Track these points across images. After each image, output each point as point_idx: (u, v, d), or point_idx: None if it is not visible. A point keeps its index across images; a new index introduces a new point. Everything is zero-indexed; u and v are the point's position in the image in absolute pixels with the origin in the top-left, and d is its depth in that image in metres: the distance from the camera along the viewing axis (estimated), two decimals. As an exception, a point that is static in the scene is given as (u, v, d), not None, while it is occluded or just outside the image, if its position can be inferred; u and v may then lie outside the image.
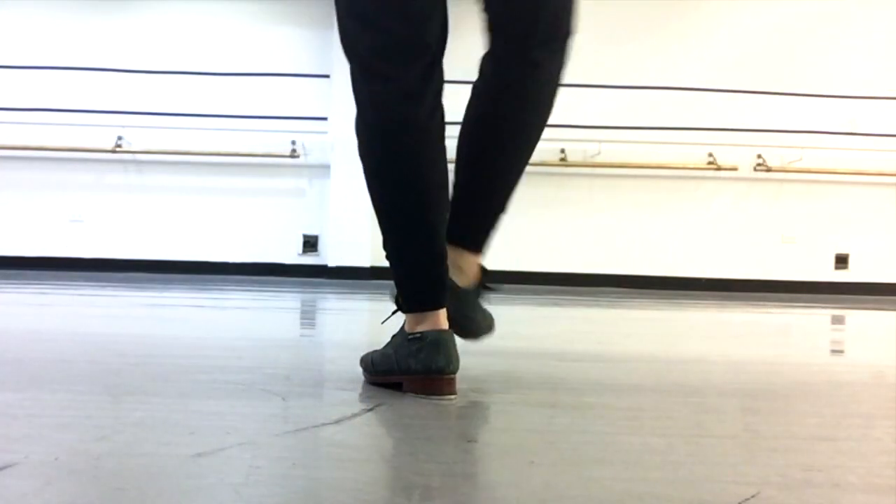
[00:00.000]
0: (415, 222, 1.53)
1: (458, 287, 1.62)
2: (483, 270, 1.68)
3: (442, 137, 1.56)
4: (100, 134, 6.74)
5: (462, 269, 1.64)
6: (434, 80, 1.52)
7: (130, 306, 3.91)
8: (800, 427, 1.37)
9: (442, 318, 1.51)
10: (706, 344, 2.96)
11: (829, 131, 6.88)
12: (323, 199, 6.84)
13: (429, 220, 1.53)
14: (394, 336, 1.58)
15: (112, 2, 6.88)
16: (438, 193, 1.55)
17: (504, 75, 1.57)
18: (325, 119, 6.72)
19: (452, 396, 1.47)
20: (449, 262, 1.60)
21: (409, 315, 1.53)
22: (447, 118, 1.56)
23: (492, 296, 1.70)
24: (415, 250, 1.54)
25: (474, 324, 1.66)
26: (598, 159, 6.75)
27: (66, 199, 6.84)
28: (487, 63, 1.59)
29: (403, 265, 1.56)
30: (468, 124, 1.62)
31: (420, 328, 1.50)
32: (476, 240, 1.65)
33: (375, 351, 1.61)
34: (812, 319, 4.49)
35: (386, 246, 1.56)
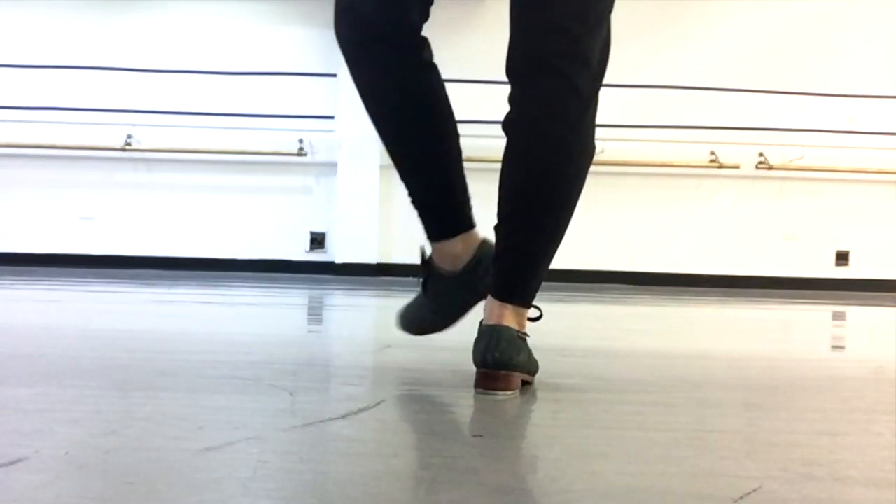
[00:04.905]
0: (420, 158, 1.60)
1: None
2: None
3: (437, 90, 1.57)
4: (109, 132, 6.75)
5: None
6: (421, 51, 1.54)
7: (139, 303, 3.92)
8: (801, 422, 1.38)
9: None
10: (708, 340, 2.97)
11: (831, 130, 6.86)
12: (330, 196, 6.85)
13: (439, 155, 1.61)
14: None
15: (121, 1, 6.89)
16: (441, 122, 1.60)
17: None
18: (331, 118, 6.72)
19: None
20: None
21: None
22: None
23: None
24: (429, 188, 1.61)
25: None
26: (601, 157, 6.61)
27: (76, 197, 6.86)
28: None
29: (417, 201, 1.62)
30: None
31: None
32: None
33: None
34: (813, 315, 4.48)
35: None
